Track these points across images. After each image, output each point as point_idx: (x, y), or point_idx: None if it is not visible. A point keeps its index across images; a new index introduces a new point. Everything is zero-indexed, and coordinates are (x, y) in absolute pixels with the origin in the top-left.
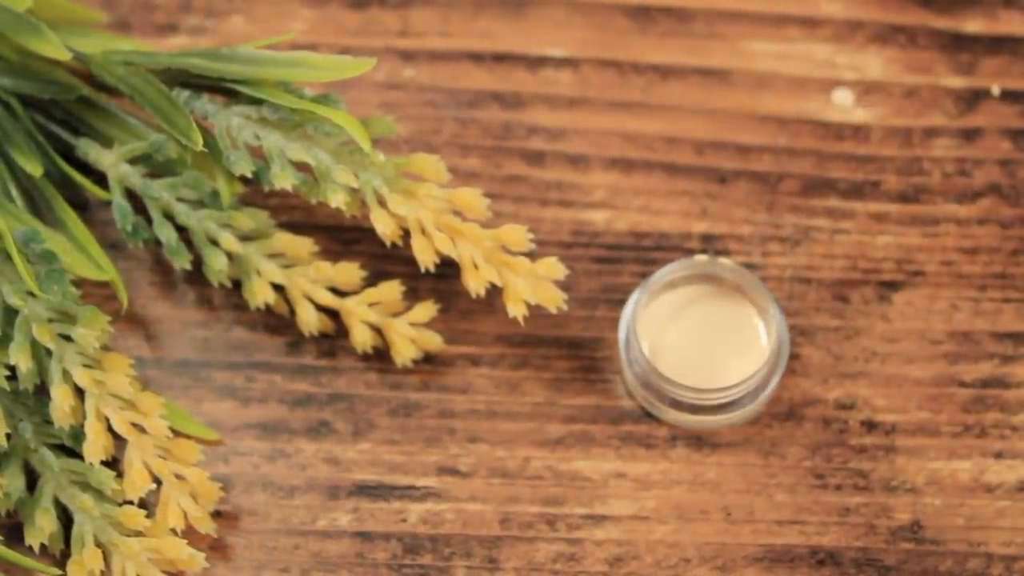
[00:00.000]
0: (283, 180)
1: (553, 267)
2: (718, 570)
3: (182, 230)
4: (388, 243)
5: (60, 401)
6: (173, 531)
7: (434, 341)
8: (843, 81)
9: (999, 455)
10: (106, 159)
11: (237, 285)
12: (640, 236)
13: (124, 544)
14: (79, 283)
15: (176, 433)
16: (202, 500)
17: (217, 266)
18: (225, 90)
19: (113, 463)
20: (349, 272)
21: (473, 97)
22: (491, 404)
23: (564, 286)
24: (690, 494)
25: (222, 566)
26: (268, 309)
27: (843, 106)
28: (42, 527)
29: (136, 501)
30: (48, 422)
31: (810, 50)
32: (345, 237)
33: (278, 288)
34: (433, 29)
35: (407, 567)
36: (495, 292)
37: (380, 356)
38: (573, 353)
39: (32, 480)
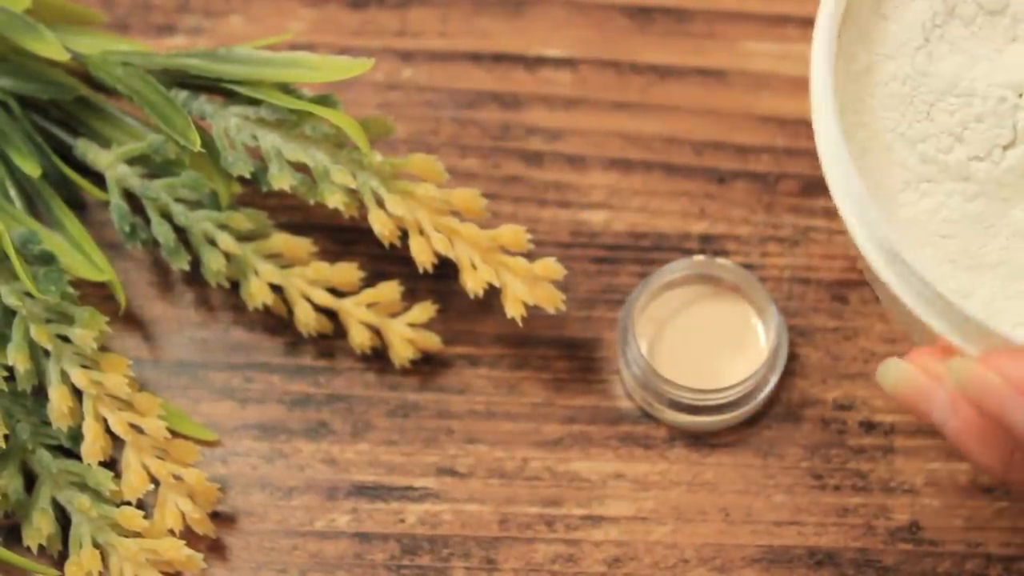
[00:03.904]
0: (281, 181)
1: (551, 268)
2: (716, 571)
3: (180, 231)
4: (386, 244)
5: (58, 402)
6: (171, 532)
7: (432, 342)
8: None
9: None
10: (104, 160)
11: (235, 286)
12: (639, 236)
13: (122, 545)
14: (77, 284)
15: (174, 434)
16: (200, 501)
17: (215, 267)
18: (223, 91)
19: (111, 464)
20: (347, 272)
21: (472, 97)
22: (489, 405)
23: (562, 286)
24: (688, 495)
25: (220, 567)
26: (266, 310)
27: None
28: (40, 528)
29: (134, 502)
30: (46, 423)
31: (809, 50)
32: (343, 238)
33: (276, 289)
34: (432, 29)
35: (405, 568)
36: (493, 293)
37: (378, 357)
38: (571, 354)
39: (30, 481)
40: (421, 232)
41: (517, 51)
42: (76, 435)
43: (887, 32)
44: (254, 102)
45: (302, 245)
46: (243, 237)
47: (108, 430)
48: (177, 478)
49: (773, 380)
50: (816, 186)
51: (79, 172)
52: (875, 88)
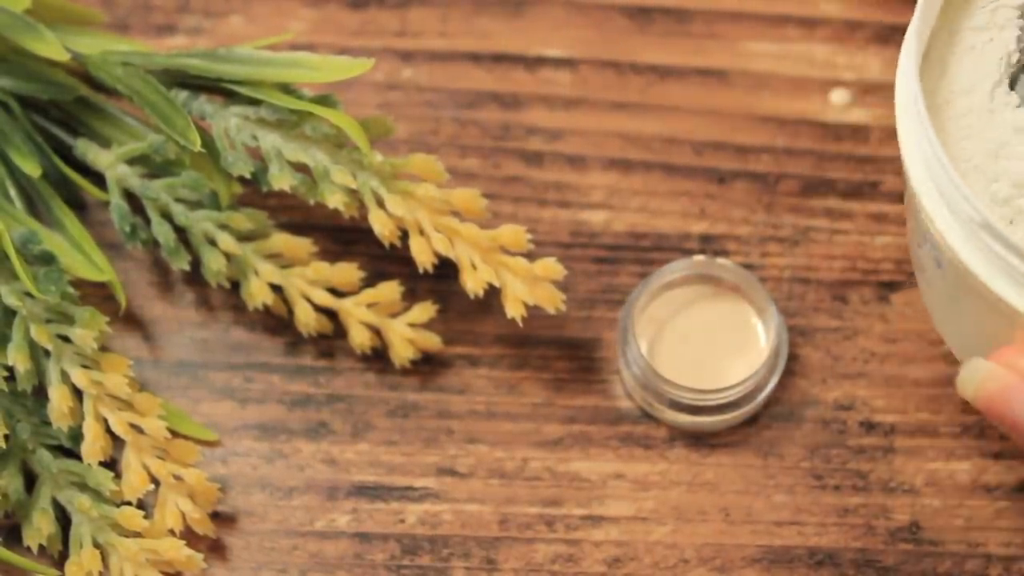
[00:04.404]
0: (281, 181)
1: (551, 268)
2: (716, 571)
3: (180, 231)
4: (386, 244)
5: (58, 402)
6: (171, 532)
7: (432, 342)
8: (842, 81)
9: (998, 456)
10: (104, 160)
11: (235, 286)
12: (639, 236)
13: (122, 545)
14: (77, 284)
15: (174, 434)
16: (200, 501)
17: (215, 267)
18: (223, 91)
19: (111, 464)
20: (347, 273)
21: (472, 97)
22: (490, 405)
23: (563, 287)
24: (688, 495)
25: (220, 567)
26: (266, 310)
27: (842, 106)
28: (40, 528)
29: (134, 502)
30: (46, 423)
31: (809, 50)
32: (343, 238)
33: (276, 289)
34: (432, 29)
35: (405, 568)
36: (493, 293)
37: (379, 357)
38: (572, 354)
39: (30, 481)
40: (421, 232)
41: (517, 51)
42: (76, 435)
43: (963, 69)
44: (254, 102)
45: (302, 245)
46: (243, 237)
47: (108, 430)
48: (177, 478)
49: (773, 380)
50: (816, 186)
51: (79, 172)
52: (951, 121)
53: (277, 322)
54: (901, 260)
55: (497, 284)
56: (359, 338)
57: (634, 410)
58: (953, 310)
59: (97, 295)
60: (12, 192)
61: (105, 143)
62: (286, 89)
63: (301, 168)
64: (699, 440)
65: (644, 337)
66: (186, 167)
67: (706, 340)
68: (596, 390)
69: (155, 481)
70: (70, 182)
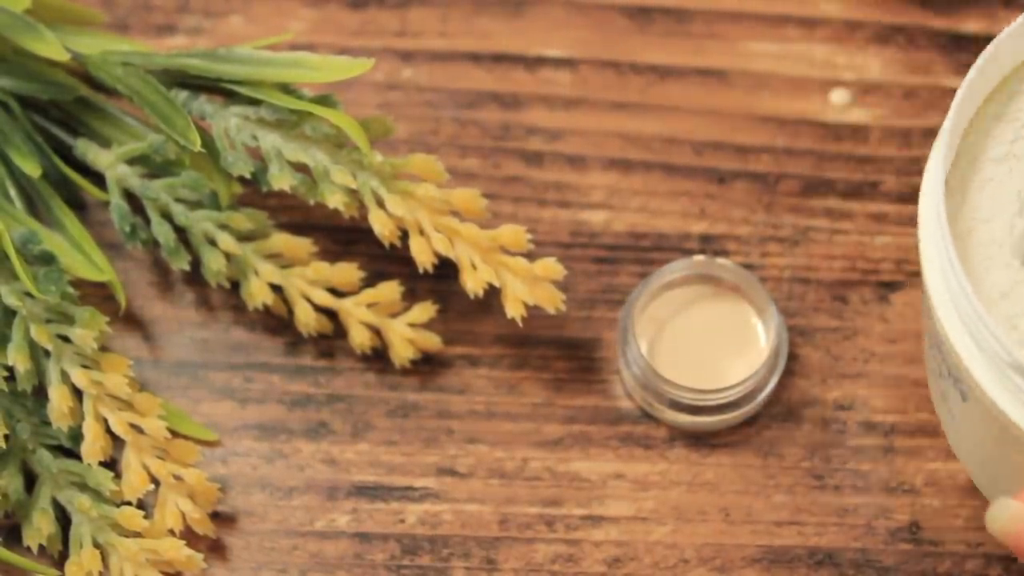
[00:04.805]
0: (281, 181)
1: (551, 268)
2: (716, 571)
3: (180, 231)
4: (386, 244)
5: (58, 402)
6: (171, 532)
7: (432, 342)
8: (842, 81)
9: None
10: (104, 160)
11: (235, 286)
12: (638, 236)
13: (122, 545)
14: (77, 284)
15: (174, 434)
16: (200, 501)
17: (215, 267)
18: (223, 91)
19: (111, 464)
20: (347, 272)
21: (472, 97)
22: (489, 405)
23: (562, 287)
24: (688, 495)
25: (220, 567)
26: (266, 310)
27: (842, 106)
28: (40, 528)
29: (134, 502)
30: (46, 423)
31: (809, 50)
32: (343, 238)
33: (276, 289)
34: (432, 29)
35: (405, 568)
36: (493, 293)
37: (379, 357)
38: (572, 354)
39: (30, 481)
40: (421, 232)
41: (517, 51)
42: (76, 435)
43: (983, 199)
44: (254, 102)
45: (302, 245)
46: (243, 237)
47: (108, 430)
48: (177, 478)
49: (773, 380)
50: (816, 186)
51: (79, 172)
52: (975, 248)
53: (277, 322)
54: (901, 260)
55: (497, 284)
56: (359, 338)
57: (634, 410)
58: (978, 444)
59: (97, 295)
60: (12, 192)
61: (105, 143)
62: (286, 89)
63: (301, 168)
64: (699, 440)
65: (644, 337)
66: (186, 167)
67: (706, 340)
68: (596, 390)
69: (155, 481)
70: (70, 182)
